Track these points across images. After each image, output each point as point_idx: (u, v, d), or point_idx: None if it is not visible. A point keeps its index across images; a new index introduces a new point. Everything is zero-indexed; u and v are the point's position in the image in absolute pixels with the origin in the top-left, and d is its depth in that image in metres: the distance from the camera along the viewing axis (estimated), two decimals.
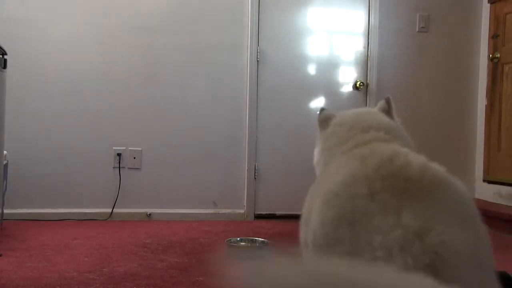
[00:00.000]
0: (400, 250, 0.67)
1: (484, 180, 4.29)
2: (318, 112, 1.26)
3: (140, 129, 3.97)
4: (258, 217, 4.08)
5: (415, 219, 0.68)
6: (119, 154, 3.92)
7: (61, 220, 3.72)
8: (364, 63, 4.29)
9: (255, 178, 4.09)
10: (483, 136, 4.33)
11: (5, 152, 3.13)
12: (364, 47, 4.30)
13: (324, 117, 1.22)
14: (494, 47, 4.25)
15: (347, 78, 4.29)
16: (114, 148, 3.92)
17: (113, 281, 2.23)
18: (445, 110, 4.40)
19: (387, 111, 1.23)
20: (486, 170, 4.27)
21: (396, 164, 0.78)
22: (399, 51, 4.33)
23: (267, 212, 4.09)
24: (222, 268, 0.63)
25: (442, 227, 0.69)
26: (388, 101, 1.25)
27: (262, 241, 2.92)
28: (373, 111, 1.24)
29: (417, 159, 0.82)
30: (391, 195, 0.71)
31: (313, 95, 4.25)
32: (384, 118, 1.17)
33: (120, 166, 3.91)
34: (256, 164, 4.09)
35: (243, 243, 2.93)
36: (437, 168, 0.83)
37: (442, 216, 0.71)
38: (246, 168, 4.08)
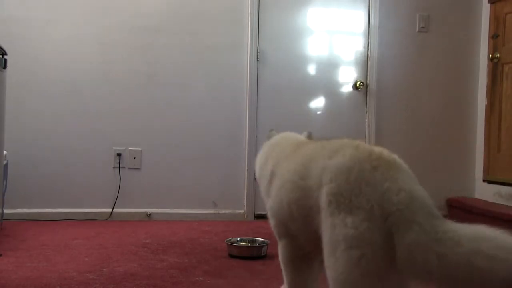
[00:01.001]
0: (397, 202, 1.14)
1: (484, 180, 4.29)
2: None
3: (140, 129, 3.97)
4: (258, 217, 4.08)
5: (402, 183, 1.15)
6: (119, 154, 3.92)
7: (61, 220, 3.72)
8: (364, 63, 4.30)
9: (255, 178, 4.08)
10: (483, 136, 4.33)
11: (5, 152, 3.13)
12: (364, 47, 4.30)
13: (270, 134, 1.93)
14: (494, 47, 4.25)
15: (347, 78, 4.29)
16: (114, 148, 3.93)
17: (113, 281, 2.23)
18: (445, 110, 4.40)
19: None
20: (486, 170, 4.27)
21: (375, 151, 1.25)
22: (399, 51, 4.33)
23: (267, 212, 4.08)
24: None
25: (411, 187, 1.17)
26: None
27: (262, 241, 2.92)
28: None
29: (376, 147, 1.31)
30: (385, 169, 1.17)
31: (313, 95, 4.25)
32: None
33: (120, 166, 3.92)
34: None
35: (243, 243, 2.94)
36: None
37: (409, 180, 1.18)
38: (246, 168, 4.08)
